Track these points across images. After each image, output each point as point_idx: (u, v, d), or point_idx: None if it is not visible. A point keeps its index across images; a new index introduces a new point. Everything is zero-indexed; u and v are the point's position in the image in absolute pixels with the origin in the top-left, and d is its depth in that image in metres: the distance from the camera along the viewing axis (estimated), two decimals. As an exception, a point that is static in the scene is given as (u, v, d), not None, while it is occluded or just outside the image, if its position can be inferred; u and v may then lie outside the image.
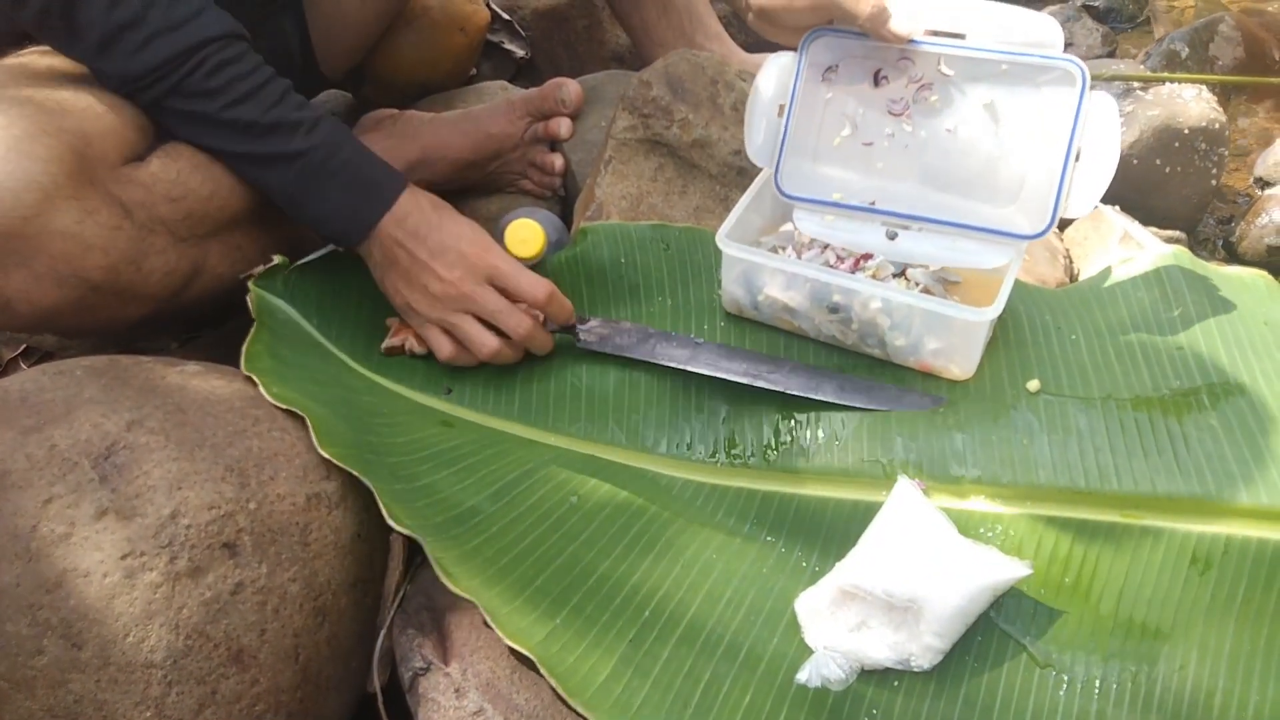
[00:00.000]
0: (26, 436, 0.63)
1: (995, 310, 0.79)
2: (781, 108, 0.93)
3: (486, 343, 0.85)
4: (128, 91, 0.80)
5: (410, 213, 0.84)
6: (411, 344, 0.91)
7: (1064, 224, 1.21)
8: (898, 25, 0.83)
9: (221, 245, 0.88)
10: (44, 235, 0.72)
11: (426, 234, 0.84)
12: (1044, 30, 0.84)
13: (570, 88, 1.14)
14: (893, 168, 0.91)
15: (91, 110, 0.78)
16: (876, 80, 0.90)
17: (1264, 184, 1.36)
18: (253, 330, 0.84)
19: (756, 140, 0.95)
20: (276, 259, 0.91)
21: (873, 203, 0.91)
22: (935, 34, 0.86)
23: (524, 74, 1.52)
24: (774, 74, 0.93)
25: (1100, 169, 0.83)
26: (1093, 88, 0.82)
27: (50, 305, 0.74)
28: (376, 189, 0.85)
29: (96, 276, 0.75)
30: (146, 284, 0.79)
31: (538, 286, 0.85)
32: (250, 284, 0.88)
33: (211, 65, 0.78)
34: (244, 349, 0.80)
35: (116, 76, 0.79)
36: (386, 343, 0.91)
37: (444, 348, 0.86)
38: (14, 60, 0.85)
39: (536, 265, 0.98)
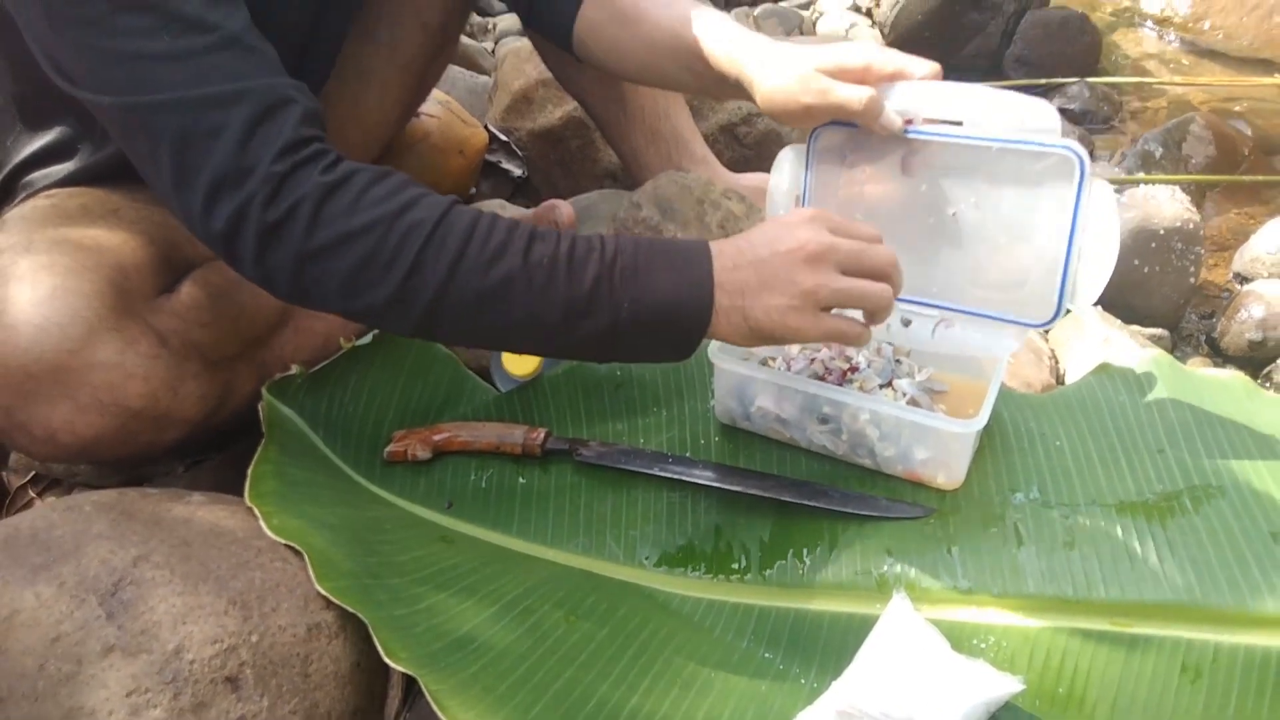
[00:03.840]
0: (36, 574, 0.64)
1: (980, 422, 0.81)
2: (798, 198, 0.97)
3: (883, 292, 0.76)
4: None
5: (720, 245, 0.78)
6: (415, 451, 0.93)
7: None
8: (889, 118, 0.86)
9: (248, 365, 0.92)
10: (88, 367, 0.75)
11: (747, 239, 0.78)
12: (1041, 116, 0.84)
13: (563, 210, 1.18)
14: (903, 253, 0.93)
15: (126, 246, 0.82)
16: (882, 167, 0.92)
17: (1243, 279, 1.40)
18: (261, 447, 0.87)
19: None
20: (294, 369, 0.95)
21: None
22: (934, 122, 0.88)
23: (521, 191, 1.58)
24: (787, 166, 0.97)
25: (1102, 258, 0.84)
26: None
27: (93, 435, 0.77)
28: (683, 248, 0.78)
29: (137, 404, 0.78)
30: (183, 408, 0.82)
31: (867, 226, 0.80)
32: (264, 391, 0.92)
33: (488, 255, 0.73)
34: (250, 470, 0.83)
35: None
36: (389, 449, 0.94)
37: (851, 328, 0.78)
38: (46, 202, 0.90)
39: (533, 381, 1.01)
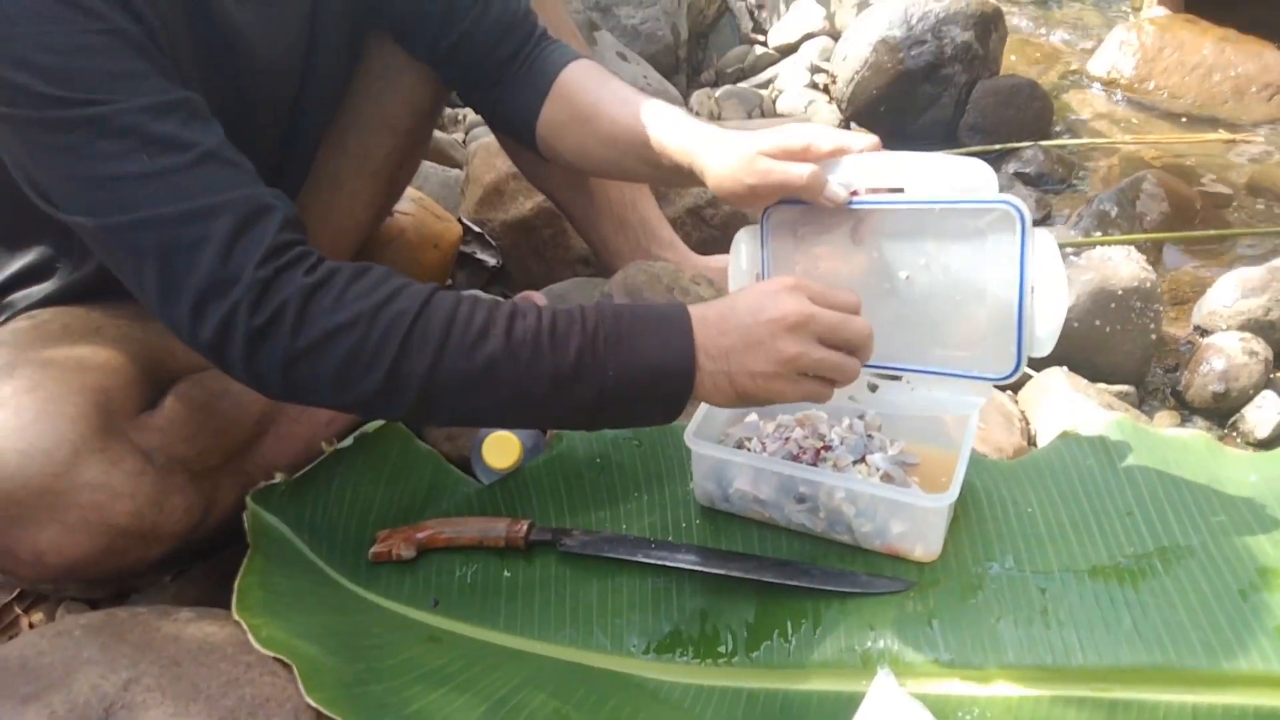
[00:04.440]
0: (26, 705, 0.65)
1: (952, 495, 0.83)
2: (757, 275, 0.99)
3: (852, 365, 0.81)
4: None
5: (702, 310, 0.81)
6: (399, 550, 0.94)
7: (1017, 386, 1.27)
8: (832, 191, 0.90)
9: (231, 475, 0.93)
10: (74, 489, 0.77)
11: (730, 304, 0.81)
12: (977, 175, 0.87)
13: (538, 301, 1.21)
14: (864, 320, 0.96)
15: (109, 365, 0.84)
16: (834, 240, 0.95)
17: (1203, 332, 1.44)
18: (247, 558, 0.88)
19: None
20: (278, 476, 0.96)
21: None
22: (877, 191, 0.91)
23: (497, 280, 1.61)
24: (744, 247, 1.00)
25: (1054, 306, 0.86)
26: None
27: (81, 555, 0.78)
28: (663, 313, 0.81)
29: (124, 522, 0.79)
30: (169, 523, 0.83)
31: (847, 294, 0.84)
32: (248, 500, 0.93)
33: (470, 340, 0.76)
34: (237, 583, 0.84)
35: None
36: (373, 550, 0.95)
37: (823, 391, 0.82)
38: (28, 323, 0.91)
39: (515, 473, 1.02)
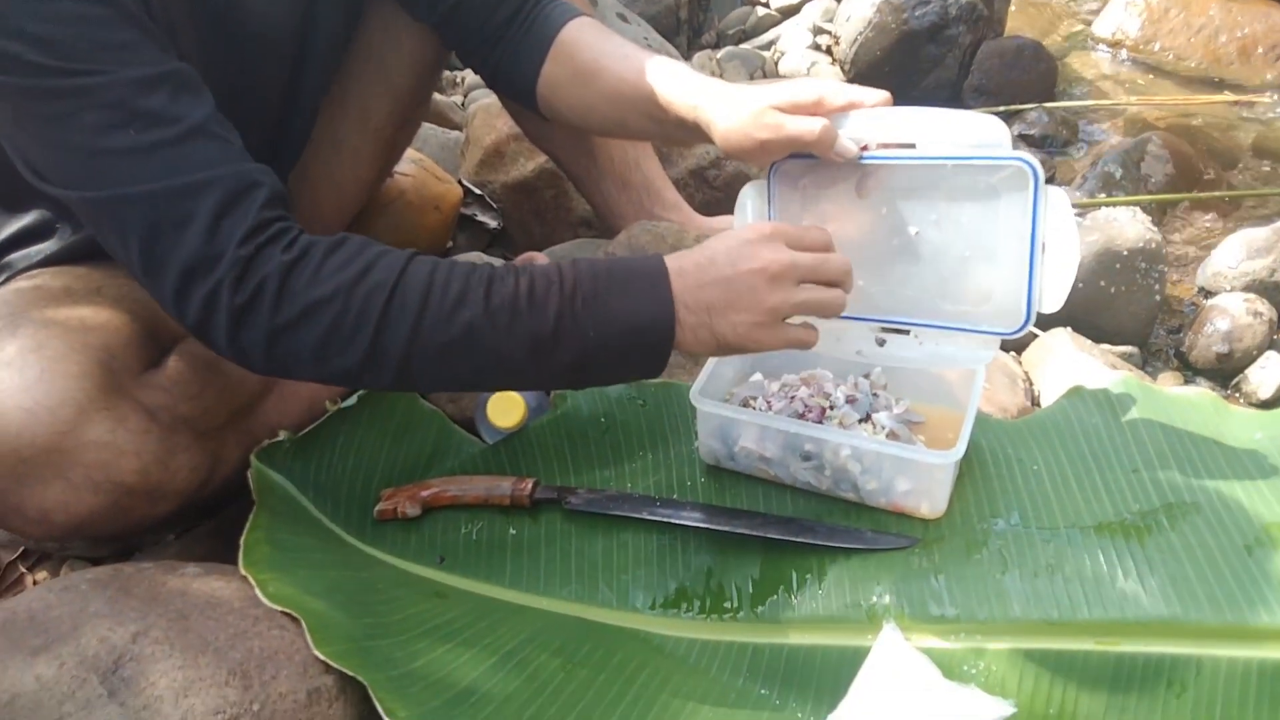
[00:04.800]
0: (35, 657, 0.65)
1: (958, 452, 0.83)
2: None
3: (837, 297, 0.83)
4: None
5: (679, 261, 0.81)
6: (404, 508, 0.94)
7: (1021, 346, 1.27)
8: (843, 146, 0.89)
9: (235, 434, 0.93)
10: (80, 447, 0.76)
11: (709, 254, 0.81)
12: (991, 131, 0.86)
13: (539, 262, 1.20)
14: (871, 275, 0.95)
15: (111, 324, 0.83)
16: (842, 195, 0.95)
17: (1207, 293, 1.43)
18: (252, 514, 0.88)
19: None
20: (282, 434, 0.97)
21: (862, 310, 0.96)
22: (888, 146, 0.90)
23: (498, 242, 1.60)
24: (749, 203, 0.99)
25: (1065, 263, 0.86)
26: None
27: (86, 513, 0.78)
28: (640, 268, 0.81)
29: (130, 480, 0.79)
30: (174, 481, 0.83)
31: (819, 232, 0.84)
32: (253, 458, 0.93)
33: (449, 303, 0.76)
34: (243, 538, 0.84)
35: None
36: (379, 508, 0.95)
37: (808, 335, 0.84)
38: (29, 283, 0.91)
39: (519, 432, 1.02)
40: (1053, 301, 0.88)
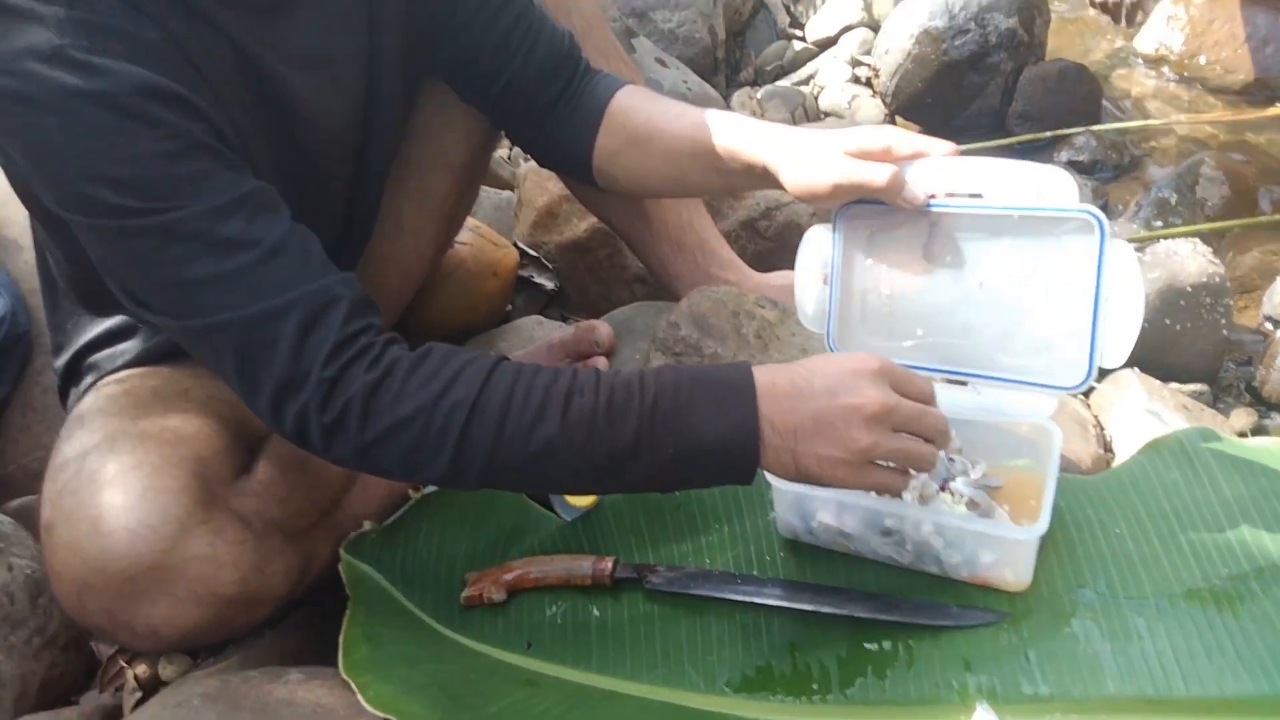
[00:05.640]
0: (159, 780, 0.67)
1: (1042, 526, 0.83)
2: (825, 276, 0.99)
3: (932, 453, 0.79)
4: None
5: (772, 376, 0.79)
6: (489, 593, 0.96)
7: (1089, 391, 1.26)
8: (912, 193, 0.90)
9: (324, 530, 0.96)
10: (182, 563, 0.79)
11: (805, 376, 0.79)
12: (1058, 182, 0.87)
13: (602, 330, 1.22)
14: (933, 325, 0.95)
15: (203, 434, 0.87)
16: (908, 242, 0.95)
17: (1275, 323, 1.41)
18: (348, 612, 0.90)
19: (808, 310, 1.01)
20: (368, 525, 0.99)
21: (920, 360, 0.96)
22: (954, 195, 0.91)
23: (555, 302, 1.62)
24: (814, 245, 1.00)
25: (1128, 317, 0.85)
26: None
27: (191, 626, 0.81)
28: (725, 380, 0.79)
29: (230, 591, 0.82)
30: (271, 588, 0.86)
31: (924, 383, 0.81)
32: (342, 552, 0.96)
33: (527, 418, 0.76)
34: (341, 638, 0.86)
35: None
36: (465, 594, 0.97)
37: (894, 482, 0.80)
38: (119, 388, 0.94)
39: (595, 510, 1.04)
40: (1115, 357, 0.87)
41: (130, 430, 0.86)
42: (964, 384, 0.96)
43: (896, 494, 0.81)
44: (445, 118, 1.15)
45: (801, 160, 0.93)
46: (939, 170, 0.91)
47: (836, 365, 0.79)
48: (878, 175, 0.88)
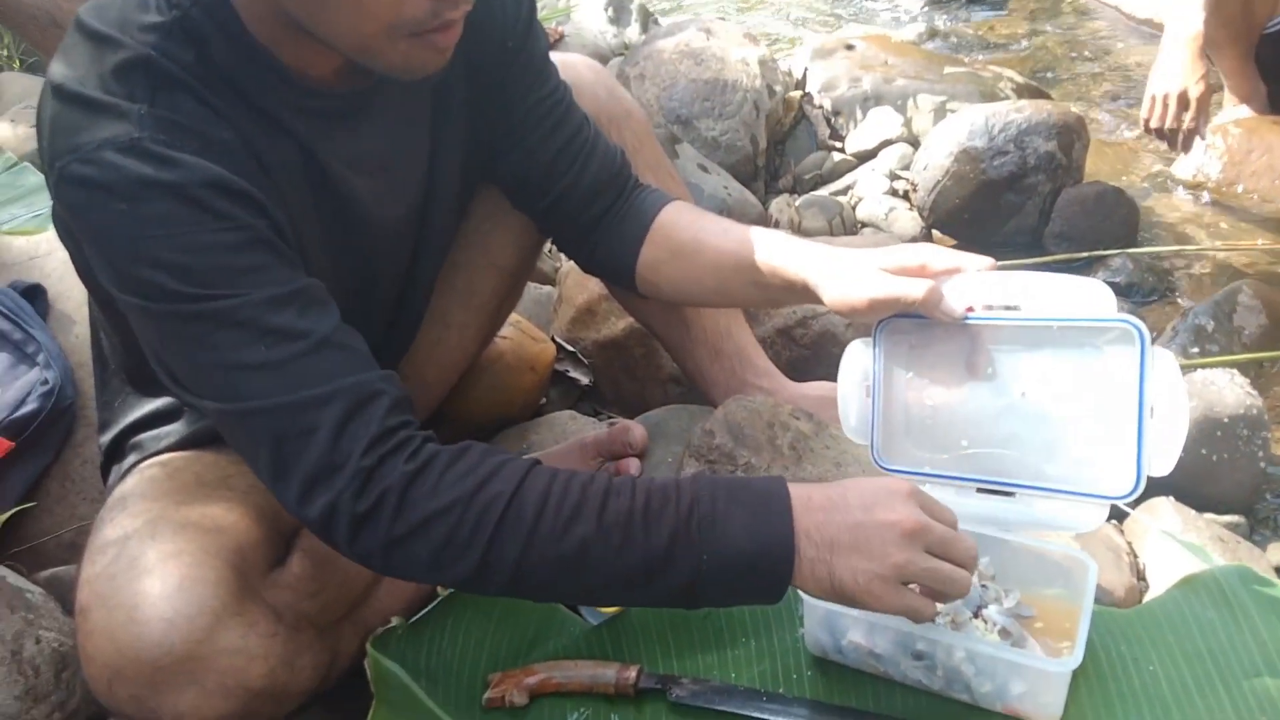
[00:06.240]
0: None
1: (1075, 660, 0.82)
2: (868, 389, 1.00)
3: (962, 577, 0.79)
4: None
5: (808, 491, 0.81)
6: (511, 696, 0.95)
7: (1122, 517, 1.25)
8: (950, 306, 0.91)
9: (351, 625, 0.97)
10: (214, 654, 0.80)
11: (841, 493, 0.80)
12: (1096, 294, 0.88)
13: (636, 432, 1.23)
14: (977, 436, 0.95)
15: (242, 524, 0.88)
16: (948, 355, 0.96)
17: (1313, 456, 1.40)
18: (372, 711, 0.90)
19: (851, 423, 1.02)
20: (394, 621, 0.99)
21: (966, 471, 0.96)
22: (992, 308, 0.92)
23: (589, 397, 1.63)
24: (855, 360, 1.01)
25: (1174, 425, 0.85)
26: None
27: (216, 717, 0.81)
28: (762, 493, 0.80)
29: (258, 684, 0.82)
30: (298, 681, 0.86)
31: (949, 512, 0.82)
32: (369, 648, 0.95)
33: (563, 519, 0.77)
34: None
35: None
36: (487, 695, 0.96)
37: (926, 607, 0.79)
38: (162, 471, 0.96)
39: (621, 615, 1.03)
40: (1163, 466, 0.86)
41: (172, 517, 0.87)
42: (1011, 494, 0.95)
43: (928, 620, 0.80)
44: (496, 222, 1.19)
45: (841, 277, 0.95)
46: (976, 284, 0.93)
47: (871, 484, 0.81)
48: (915, 289, 0.90)
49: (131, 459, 1.03)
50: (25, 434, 1.30)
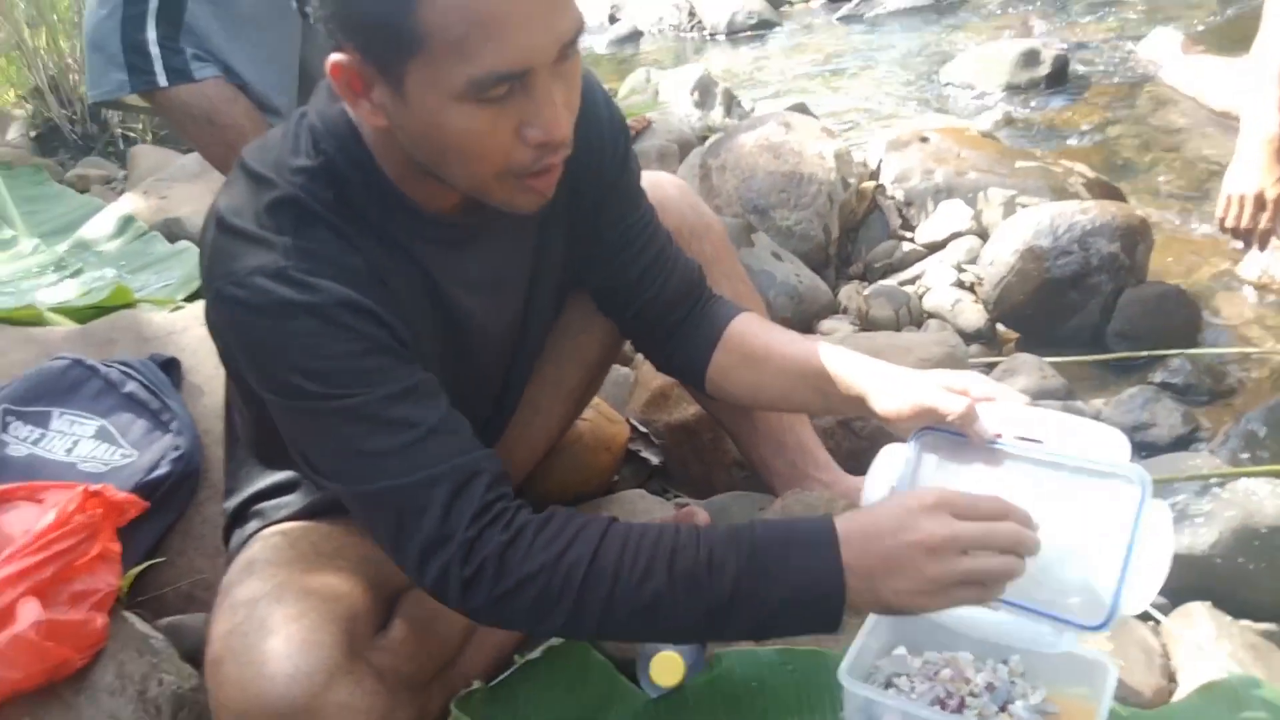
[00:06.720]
0: None
1: (1085, 756, 0.90)
2: (893, 489, 1.08)
3: (1007, 564, 0.88)
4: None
5: (847, 524, 0.90)
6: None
7: (1158, 620, 1.31)
8: (980, 427, 1.02)
9: (439, 685, 1.09)
10: (326, 707, 0.92)
11: (874, 520, 0.90)
12: (1112, 442, 0.99)
13: (700, 517, 1.35)
14: None
15: (354, 593, 1.02)
16: (971, 473, 1.04)
17: (1356, 568, 1.44)
18: (455, 761, 1.02)
19: None
20: (476, 684, 1.11)
21: None
22: (1020, 439, 1.02)
23: (658, 476, 1.75)
24: (886, 461, 1.11)
25: (1156, 572, 0.94)
26: (1155, 494, 0.95)
27: None
28: (811, 538, 0.90)
29: None
30: None
31: (993, 502, 0.91)
32: (453, 707, 1.08)
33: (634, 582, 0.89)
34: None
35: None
36: None
37: (982, 594, 0.89)
38: (282, 539, 1.10)
39: (678, 689, 1.14)
40: (1135, 606, 0.95)
41: (295, 583, 1.01)
42: (995, 610, 1.03)
43: (985, 604, 0.91)
44: (585, 323, 1.32)
45: (893, 385, 1.07)
46: (1009, 414, 1.03)
47: (898, 505, 0.91)
48: (955, 405, 1.01)
49: (254, 525, 1.17)
50: (158, 494, 1.46)
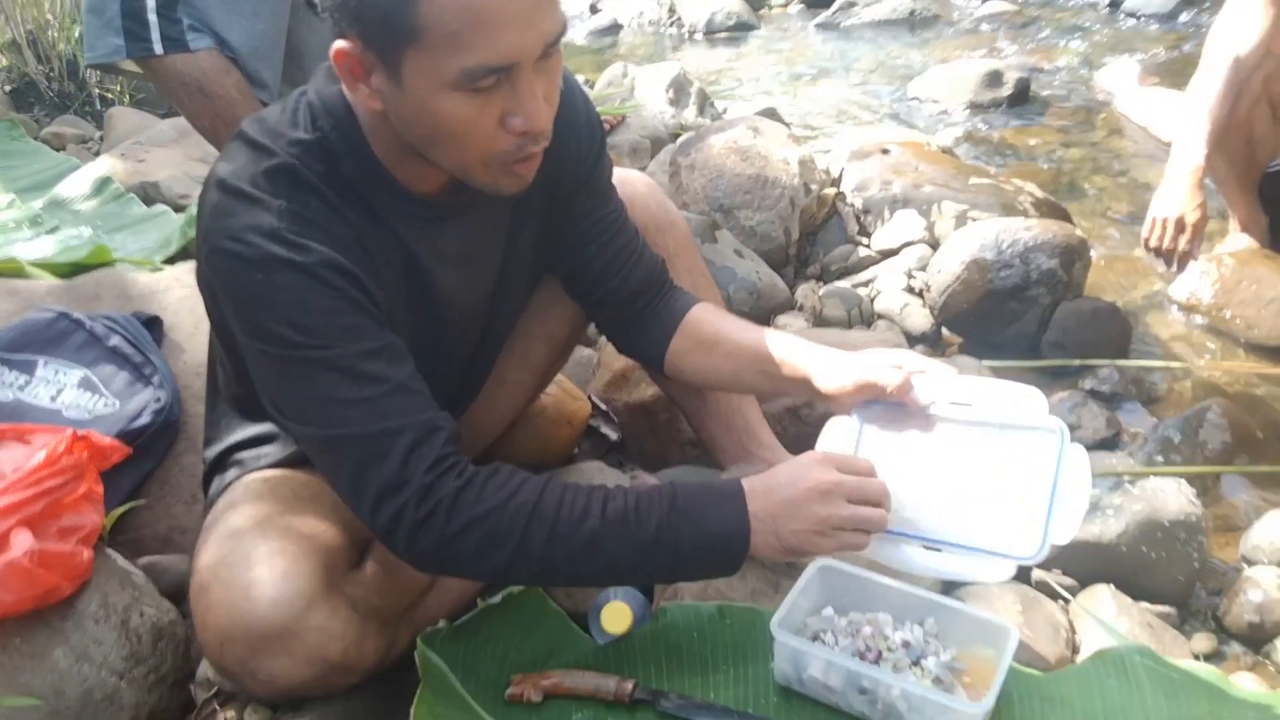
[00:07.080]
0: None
1: (987, 705, 1.02)
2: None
3: (880, 515, 1.07)
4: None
5: (752, 482, 1.07)
6: (529, 694, 1.16)
7: (1067, 599, 1.44)
8: (915, 395, 1.15)
9: (407, 622, 1.19)
10: (304, 630, 1.02)
11: (774, 476, 1.08)
12: (1032, 400, 1.14)
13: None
14: (922, 502, 1.15)
15: (331, 532, 1.11)
16: (908, 437, 1.18)
17: (1249, 561, 1.58)
18: (419, 689, 1.11)
19: None
20: (441, 624, 1.21)
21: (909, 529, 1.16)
22: (952, 404, 1.17)
23: (615, 451, 1.85)
24: (833, 431, 1.23)
25: (1076, 508, 1.08)
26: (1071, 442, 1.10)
27: (299, 681, 1.04)
28: (722, 491, 1.07)
29: (335, 658, 1.05)
30: (364, 660, 1.08)
31: (862, 462, 1.11)
32: (419, 642, 1.17)
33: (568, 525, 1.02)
34: (413, 711, 1.08)
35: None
36: (509, 691, 1.17)
37: (860, 540, 1.07)
38: (264, 485, 1.19)
39: (625, 638, 1.24)
40: (1063, 536, 1.08)
41: (277, 522, 1.10)
42: (938, 550, 1.15)
43: (860, 550, 1.07)
44: (552, 303, 1.42)
45: (833, 368, 1.19)
46: (940, 383, 1.17)
47: (794, 463, 1.09)
48: (892, 378, 1.14)
49: (233, 473, 1.26)
50: (139, 442, 1.53)
